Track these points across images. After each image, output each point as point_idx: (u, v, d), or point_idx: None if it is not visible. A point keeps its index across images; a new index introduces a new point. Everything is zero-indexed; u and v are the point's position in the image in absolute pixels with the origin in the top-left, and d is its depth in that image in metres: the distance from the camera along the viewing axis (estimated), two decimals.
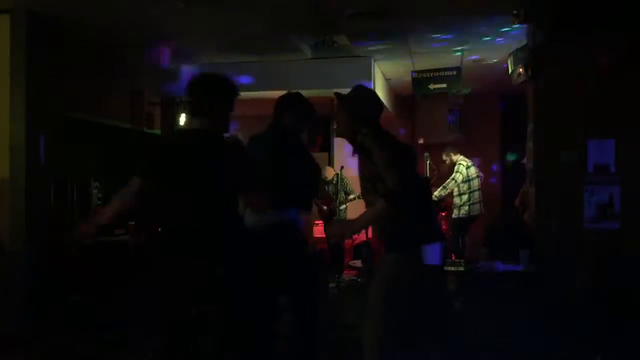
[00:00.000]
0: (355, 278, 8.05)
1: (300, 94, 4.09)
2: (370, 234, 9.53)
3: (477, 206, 8.24)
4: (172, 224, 2.99)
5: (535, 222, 5.18)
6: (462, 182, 8.20)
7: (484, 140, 10.27)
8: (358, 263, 8.69)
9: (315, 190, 4.24)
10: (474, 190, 8.24)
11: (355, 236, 9.15)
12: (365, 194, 3.25)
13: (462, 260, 5.32)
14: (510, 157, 4.70)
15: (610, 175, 4.83)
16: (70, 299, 5.49)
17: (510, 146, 10.10)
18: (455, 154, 8.48)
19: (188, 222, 2.93)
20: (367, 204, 3.21)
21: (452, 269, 5.00)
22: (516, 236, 5.05)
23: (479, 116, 10.19)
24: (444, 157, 8.57)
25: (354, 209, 9.04)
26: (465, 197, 8.23)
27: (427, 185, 6.08)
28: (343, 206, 8.50)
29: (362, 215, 3.13)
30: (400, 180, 2.93)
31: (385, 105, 9.08)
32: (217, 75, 3.21)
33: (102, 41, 6.39)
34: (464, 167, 8.30)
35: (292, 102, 4.03)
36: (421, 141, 9.67)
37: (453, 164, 8.44)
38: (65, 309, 5.44)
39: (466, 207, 8.21)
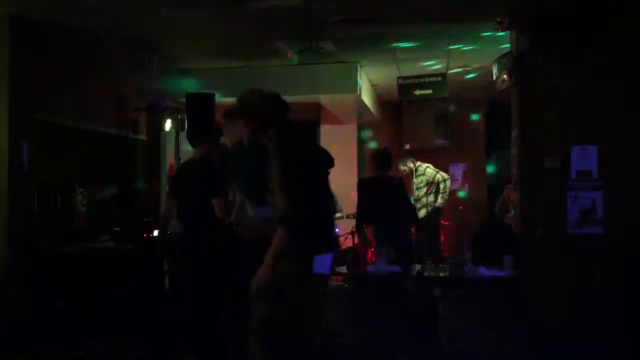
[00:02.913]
0: (340, 284, 8.05)
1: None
2: (356, 240, 9.55)
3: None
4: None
5: (520, 227, 5.22)
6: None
7: (469, 145, 10.34)
8: (343, 269, 8.65)
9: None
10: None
11: (342, 242, 9.17)
12: (271, 195, 3.03)
13: (447, 266, 5.35)
14: None
15: (593, 181, 4.88)
16: (53, 305, 5.44)
17: (495, 152, 10.18)
18: (412, 161, 8.57)
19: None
20: (273, 205, 3.01)
21: (437, 274, 5.02)
22: (501, 242, 5.08)
23: (465, 122, 10.26)
24: (402, 167, 8.58)
25: (340, 225, 9.10)
26: (432, 197, 8.39)
27: (399, 185, 6.09)
28: None
29: (269, 253, 2.89)
30: (296, 203, 2.80)
31: (370, 109, 9.12)
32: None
33: (87, 46, 6.36)
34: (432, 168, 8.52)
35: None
36: (407, 146, 9.72)
37: (412, 171, 8.54)
38: (49, 316, 5.39)
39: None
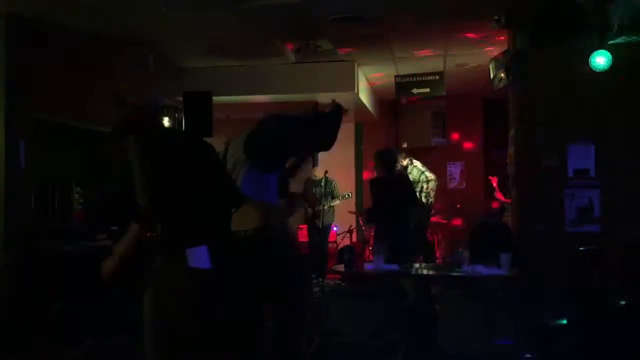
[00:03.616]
0: (338, 282, 8.06)
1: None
2: (354, 238, 9.56)
3: None
4: None
5: (517, 226, 5.23)
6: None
7: (466, 144, 10.35)
8: (341, 267, 8.67)
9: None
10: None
11: (339, 240, 9.19)
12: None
13: (445, 265, 5.36)
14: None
15: (590, 179, 4.89)
16: (52, 305, 5.43)
17: (493, 150, 10.19)
18: (404, 158, 8.57)
19: None
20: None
21: (434, 272, 5.02)
22: (498, 240, 5.09)
23: (462, 120, 10.27)
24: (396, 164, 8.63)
25: (340, 211, 9.11)
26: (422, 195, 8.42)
27: (409, 185, 6.15)
28: (326, 207, 8.55)
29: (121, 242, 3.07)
30: (152, 200, 2.90)
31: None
32: None
33: (85, 45, 6.35)
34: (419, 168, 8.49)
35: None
36: (405, 145, 9.73)
37: (404, 168, 8.55)
38: (47, 315, 5.39)
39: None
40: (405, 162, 8.48)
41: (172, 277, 2.95)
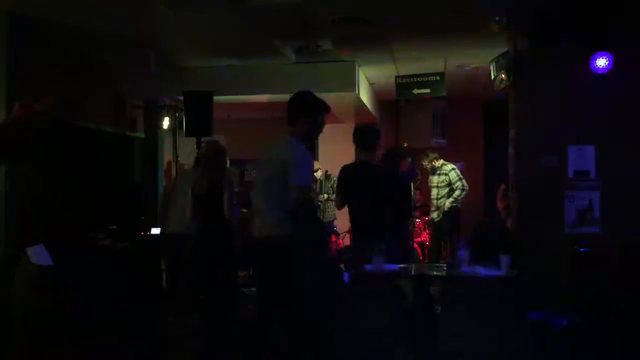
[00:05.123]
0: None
1: (313, 94, 3.89)
2: None
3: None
4: None
5: (517, 227, 5.22)
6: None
7: (466, 145, 10.34)
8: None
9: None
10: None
11: (339, 241, 9.17)
12: None
13: (444, 265, 5.35)
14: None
15: (591, 181, 4.89)
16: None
17: (493, 151, 10.18)
18: (437, 159, 8.58)
19: None
20: None
21: (434, 273, 5.02)
22: (498, 241, 5.08)
23: (462, 121, 10.26)
24: (425, 162, 8.62)
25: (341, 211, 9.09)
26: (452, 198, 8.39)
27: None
28: (325, 198, 8.57)
29: None
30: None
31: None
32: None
33: (85, 44, 6.35)
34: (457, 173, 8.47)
35: (311, 106, 3.87)
36: (405, 145, 9.73)
37: (434, 168, 8.54)
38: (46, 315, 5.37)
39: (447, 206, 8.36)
40: (437, 164, 8.46)
41: (21, 272, 3.00)
